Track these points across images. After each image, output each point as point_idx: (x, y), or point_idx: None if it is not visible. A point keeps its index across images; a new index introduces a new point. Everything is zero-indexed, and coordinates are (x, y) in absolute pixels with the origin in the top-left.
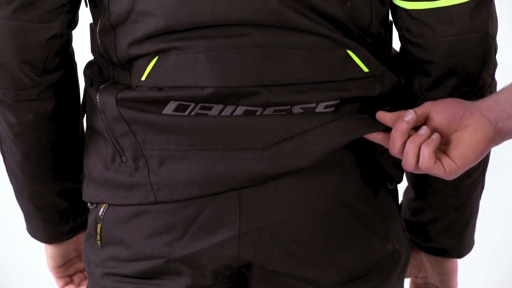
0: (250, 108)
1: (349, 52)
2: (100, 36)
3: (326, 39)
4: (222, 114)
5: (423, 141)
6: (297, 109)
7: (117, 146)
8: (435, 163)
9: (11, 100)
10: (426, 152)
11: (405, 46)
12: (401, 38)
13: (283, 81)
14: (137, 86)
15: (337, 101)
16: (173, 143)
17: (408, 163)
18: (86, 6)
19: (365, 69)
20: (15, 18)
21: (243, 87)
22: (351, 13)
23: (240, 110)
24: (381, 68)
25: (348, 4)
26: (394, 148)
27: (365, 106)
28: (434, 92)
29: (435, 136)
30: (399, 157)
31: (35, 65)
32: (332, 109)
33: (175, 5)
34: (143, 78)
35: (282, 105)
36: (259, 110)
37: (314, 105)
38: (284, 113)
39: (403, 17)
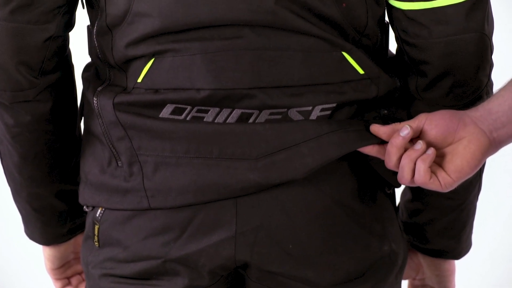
0: (246, 111)
1: (345, 54)
2: (97, 37)
3: (322, 41)
4: (218, 117)
5: (419, 156)
6: (293, 113)
7: (113, 150)
8: (430, 178)
9: (8, 102)
10: (422, 168)
11: (401, 46)
12: (397, 38)
13: (279, 83)
14: (133, 88)
15: (334, 105)
16: (168, 150)
17: (404, 177)
18: (83, 8)
19: (361, 71)
20: (12, 19)
21: (239, 89)
22: (347, 14)
23: (236, 113)
24: (377, 70)
25: (344, 4)
26: (390, 162)
27: (361, 109)
28: (430, 92)
29: (431, 151)
30: (395, 170)
31: (32, 66)
32: (328, 112)
33: (171, 6)
34: (139, 80)
35: (278, 108)
36: (255, 113)
37: (310, 108)
38: (280, 116)
39: (399, 17)
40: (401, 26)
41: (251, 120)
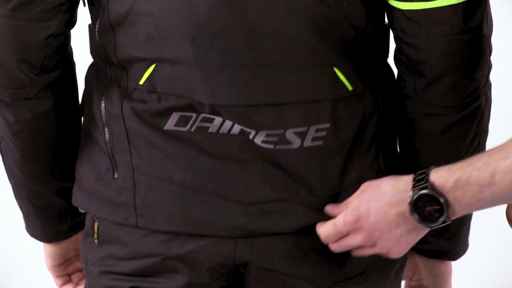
0: (245, 128)
1: (336, 70)
2: (100, 36)
3: (315, 55)
4: (222, 128)
5: None
6: (290, 135)
7: (113, 161)
8: None
9: (9, 99)
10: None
11: (400, 46)
12: (396, 38)
13: (274, 100)
14: (134, 89)
15: (327, 125)
16: (165, 175)
17: None
18: (84, 5)
19: (349, 87)
20: (14, 17)
21: (235, 107)
22: (347, 13)
23: (236, 128)
24: (361, 86)
25: (345, 3)
26: None
27: (354, 134)
28: (428, 92)
29: None
30: None
31: (33, 64)
32: (323, 133)
33: (172, 5)
34: (141, 82)
35: (275, 129)
36: (253, 133)
37: (305, 129)
38: (277, 138)
39: (398, 17)
40: (400, 26)
41: (250, 137)
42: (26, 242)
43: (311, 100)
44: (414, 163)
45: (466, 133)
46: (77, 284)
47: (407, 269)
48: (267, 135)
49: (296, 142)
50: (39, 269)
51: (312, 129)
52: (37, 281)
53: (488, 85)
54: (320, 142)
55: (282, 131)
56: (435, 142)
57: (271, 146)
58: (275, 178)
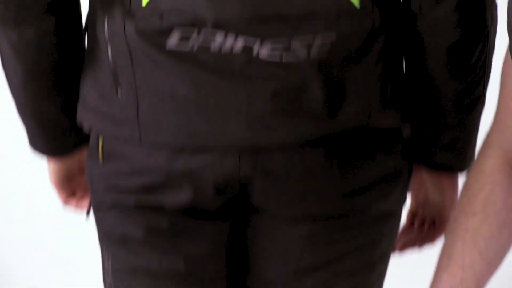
0: (249, 38)
1: None
2: None
3: None
4: (224, 48)
5: None
6: (295, 44)
7: (116, 78)
8: None
9: (12, 18)
10: None
11: None
12: None
13: (279, 11)
14: (137, 8)
15: (333, 36)
16: (167, 91)
17: None
18: None
19: (357, 5)
20: None
21: (239, 18)
22: None
23: (239, 45)
24: (370, 3)
25: None
26: None
27: (358, 46)
28: (434, 11)
29: None
30: None
31: None
32: (328, 45)
33: None
34: (143, 5)
35: (280, 36)
36: (257, 44)
37: (312, 37)
38: (282, 45)
39: None
40: None
41: (254, 53)
42: (26, 241)
43: (315, 11)
44: (420, 83)
45: (472, 50)
46: (81, 198)
47: (413, 182)
48: (272, 43)
49: (302, 54)
50: (39, 267)
51: (318, 39)
52: (37, 281)
53: (494, 6)
54: (325, 55)
55: (288, 39)
56: (440, 60)
57: (277, 59)
58: (278, 92)
